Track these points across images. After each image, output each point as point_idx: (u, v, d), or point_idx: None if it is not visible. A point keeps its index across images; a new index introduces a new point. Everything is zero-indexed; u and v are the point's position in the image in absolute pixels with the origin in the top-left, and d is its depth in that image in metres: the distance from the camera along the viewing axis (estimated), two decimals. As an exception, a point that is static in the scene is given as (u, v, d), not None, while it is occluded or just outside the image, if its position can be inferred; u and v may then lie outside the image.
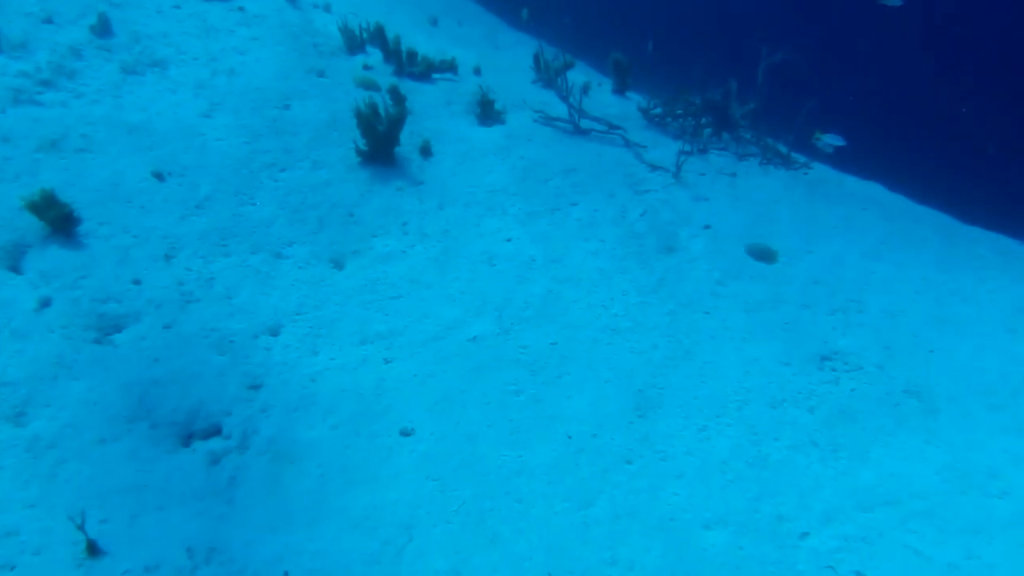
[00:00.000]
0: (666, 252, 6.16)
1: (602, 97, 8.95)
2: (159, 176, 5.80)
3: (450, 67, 8.08)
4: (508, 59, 10.00)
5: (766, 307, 5.70)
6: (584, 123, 7.52)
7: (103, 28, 6.91)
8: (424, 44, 8.98)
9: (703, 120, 7.81)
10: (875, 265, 6.26)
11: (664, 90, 8.94)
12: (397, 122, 6.39)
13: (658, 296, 5.73)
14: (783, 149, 7.80)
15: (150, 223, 5.46)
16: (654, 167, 7.10)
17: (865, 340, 5.45)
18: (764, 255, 6.06)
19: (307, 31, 8.04)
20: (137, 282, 5.03)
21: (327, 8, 8.88)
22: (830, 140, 6.86)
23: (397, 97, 7.20)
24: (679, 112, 8.00)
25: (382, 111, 6.43)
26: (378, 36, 7.93)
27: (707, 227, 6.40)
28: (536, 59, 8.60)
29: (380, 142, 6.40)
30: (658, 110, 8.17)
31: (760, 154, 7.69)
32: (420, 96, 7.66)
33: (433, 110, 7.52)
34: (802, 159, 7.76)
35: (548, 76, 8.44)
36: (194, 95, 6.70)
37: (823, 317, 5.63)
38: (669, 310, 5.61)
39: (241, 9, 7.90)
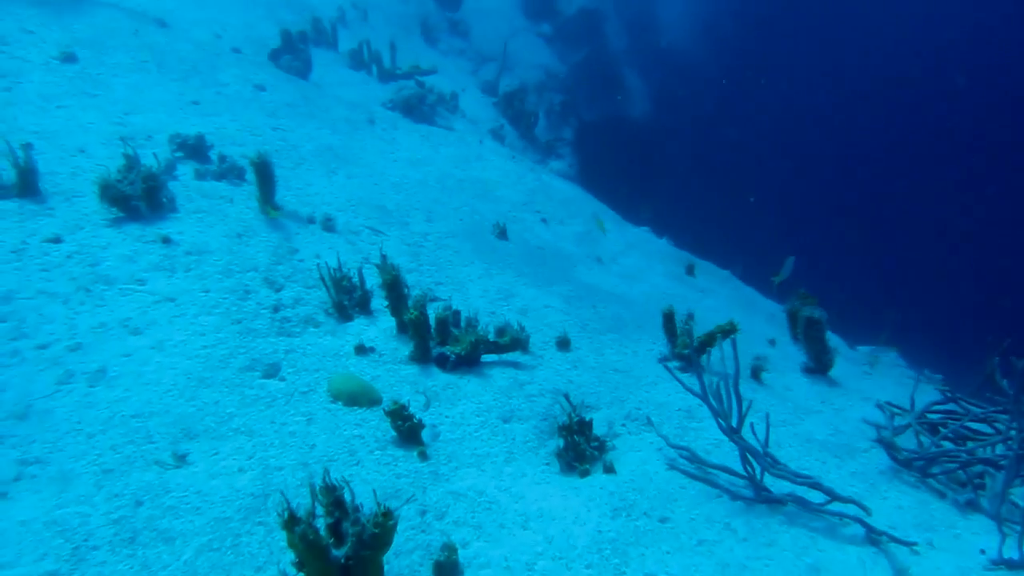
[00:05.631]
0: None
1: (785, 381, 5.16)
2: None
3: (515, 341, 4.56)
4: (615, 289, 6.45)
5: None
6: (772, 479, 3.71)
7: None
8: (477, 284, 5.53)
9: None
10: None
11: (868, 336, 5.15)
12: (373, 547, 2.81)
13: None
14: None
15: None
16: (954, 623, 3.15)
17: None
18: None
19: (268, 279, 4.69)
20: None
21: (327, 224, 5.57)
22: None
23: (408, 433, 3.67)
24: (965, 455, 3.98)
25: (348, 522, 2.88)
26: (393, 284, 4.54)
27: None
28: (666, 320, 4.96)
29: (335, 585, 2.82)
30: (912, 441, 4.22)
31: None
32: (455, 408, 4.11)
33: (474, 441, 3.92)
34: None
35: (689, 348, 4.77)
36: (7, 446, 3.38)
37: None
38: None
39: (166, 241, 4.67)
